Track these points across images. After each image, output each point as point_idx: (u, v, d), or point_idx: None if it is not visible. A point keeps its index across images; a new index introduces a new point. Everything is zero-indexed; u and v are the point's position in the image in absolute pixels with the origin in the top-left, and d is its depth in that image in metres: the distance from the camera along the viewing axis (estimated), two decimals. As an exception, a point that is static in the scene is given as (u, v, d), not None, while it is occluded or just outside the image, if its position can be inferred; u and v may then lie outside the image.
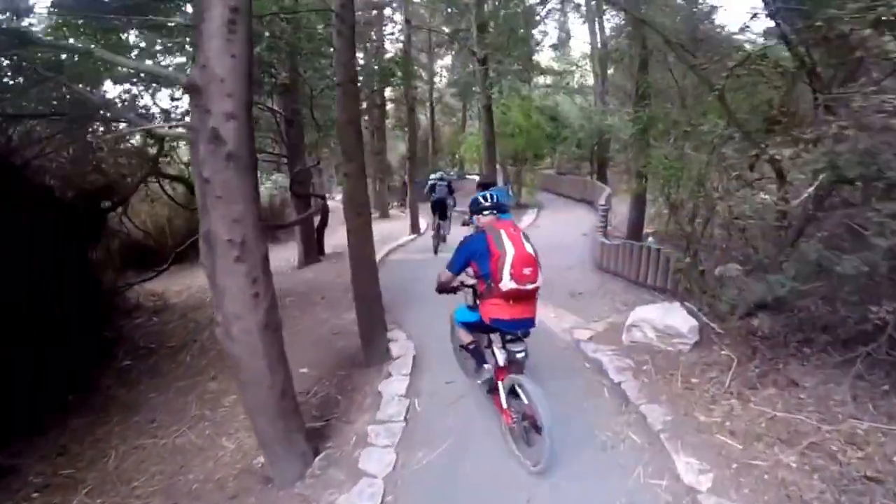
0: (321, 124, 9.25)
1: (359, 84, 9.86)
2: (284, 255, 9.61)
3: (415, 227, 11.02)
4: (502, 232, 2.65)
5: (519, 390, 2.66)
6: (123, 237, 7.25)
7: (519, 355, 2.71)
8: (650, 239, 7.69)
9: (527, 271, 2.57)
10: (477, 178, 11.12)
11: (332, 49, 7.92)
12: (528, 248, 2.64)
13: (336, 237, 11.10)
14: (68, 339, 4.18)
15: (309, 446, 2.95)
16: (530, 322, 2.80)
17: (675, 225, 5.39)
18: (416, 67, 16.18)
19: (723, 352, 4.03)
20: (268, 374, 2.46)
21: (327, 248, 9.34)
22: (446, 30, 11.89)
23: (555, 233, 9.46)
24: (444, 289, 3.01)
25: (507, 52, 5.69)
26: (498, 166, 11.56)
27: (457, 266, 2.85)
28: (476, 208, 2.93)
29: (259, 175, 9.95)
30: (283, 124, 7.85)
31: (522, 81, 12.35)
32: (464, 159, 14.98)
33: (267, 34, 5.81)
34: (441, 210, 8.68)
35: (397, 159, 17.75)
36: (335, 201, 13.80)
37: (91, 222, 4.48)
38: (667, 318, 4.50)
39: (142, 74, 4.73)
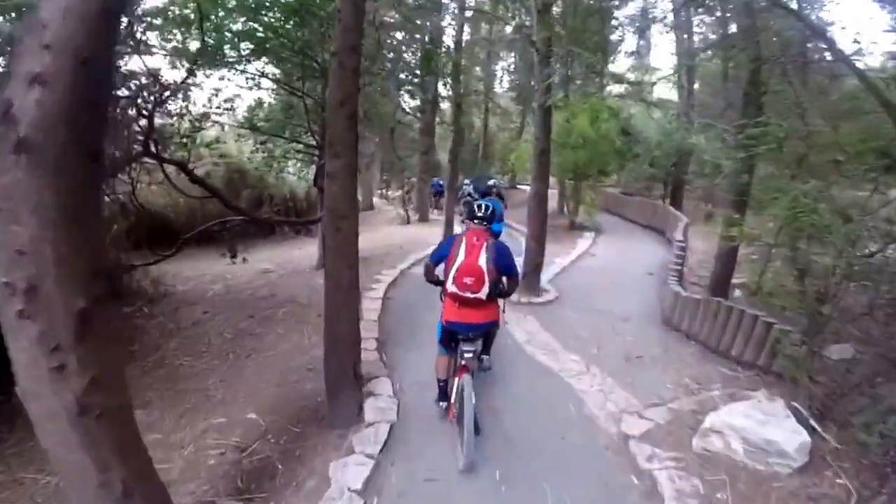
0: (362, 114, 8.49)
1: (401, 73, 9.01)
2: (313, 251, 8.93)
3: (446, 236, 9.87)
4: (464, 240, 2.84)
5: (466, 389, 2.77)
6: (134, 217, 6.83)
7: (466, 355, 2.85)
8: (737, 292, 6.05)
9: (467, 280, 2.74)
10: (528, 188, 9.78)
11: (375, 28, 7.16)
12: (481, 261, 2.75)
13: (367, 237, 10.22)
14: None
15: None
16: (475, 326, 2.91)
17: (778, 280, 3.97)
18: (468, 63, 15.07)
19: (838, 480, 2.82)
20: (93, 471, 1.50)
21: (351, 251, 8.53)
22: (508, 28, 10.78)
23: (613, 266, 7.89)
24: (430, 279, 3.12)
25: (572, 38, 4.47)
26: (553, 180, 10.09)
27: (434, 258, 3.05)
28: (470, 215, 3.11)
29: (288, 166, 9.41)
30: (309, 111, 7.05)
31: (593, 73, 10.62)
32: (515, 168, 13.61)
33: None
34: None
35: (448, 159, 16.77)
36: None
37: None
38: (765, 429, 3.17)
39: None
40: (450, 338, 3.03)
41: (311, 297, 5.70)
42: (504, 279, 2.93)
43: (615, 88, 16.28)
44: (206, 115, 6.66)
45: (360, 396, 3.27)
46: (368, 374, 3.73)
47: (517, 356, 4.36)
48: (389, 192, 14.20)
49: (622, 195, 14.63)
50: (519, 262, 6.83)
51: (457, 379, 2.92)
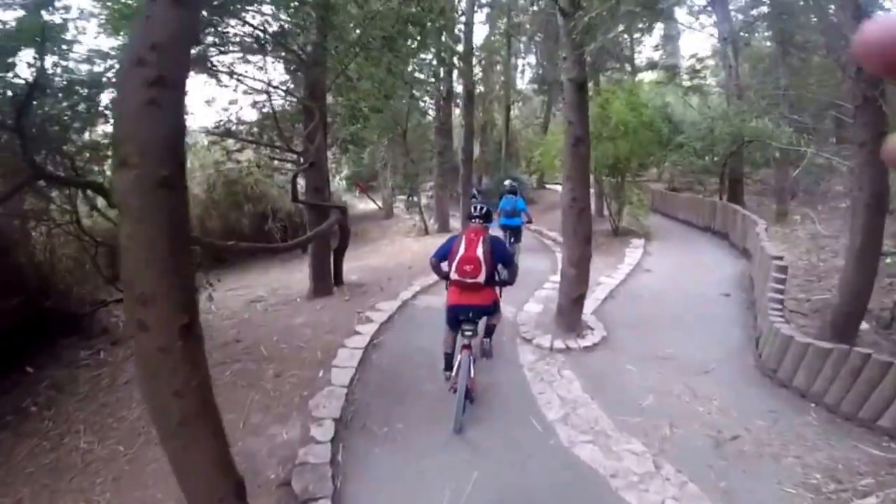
0: (355, 112, 7.27)
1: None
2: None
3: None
4: (464, 236, 3.27)
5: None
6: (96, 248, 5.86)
7: (467, 333, 3.19)
8: (863, 324, 4.29)
9: (468, 268, 3.15)
10: (559, 187, 8.28)
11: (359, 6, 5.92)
12: (479, 252, 3.16)
13: (364, 258, 8.98)
14: None
15: None
16: (473, 308, 3.25)
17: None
18: (486, 56, 13.66)
19: None
20: None
21: (350, 274, 7.26)
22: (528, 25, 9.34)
23: (675, 285, 6.10)
24: (438, 274, 3.42)
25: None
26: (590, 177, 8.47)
27: (438, 255, 3.38)
28: (468, 215, 3.60)
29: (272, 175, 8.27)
30: (283, 112, 5.86)
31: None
32: (542, 166, 11.98)
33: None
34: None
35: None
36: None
37: None
38: None
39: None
40: (454, 320, 3.33)
41: (276, 346, 4.47)
42: (500, 267, 3.32)
43: (648, 76, 14.51)
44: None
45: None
46: (303, 495, 2.40)
47: (545, 449, 2.88)
48: (396, 198, 12.95)
49: (669, 191, 12.70)
50: (554, 280, 5.43)
51: (461, 356, 3.17)
